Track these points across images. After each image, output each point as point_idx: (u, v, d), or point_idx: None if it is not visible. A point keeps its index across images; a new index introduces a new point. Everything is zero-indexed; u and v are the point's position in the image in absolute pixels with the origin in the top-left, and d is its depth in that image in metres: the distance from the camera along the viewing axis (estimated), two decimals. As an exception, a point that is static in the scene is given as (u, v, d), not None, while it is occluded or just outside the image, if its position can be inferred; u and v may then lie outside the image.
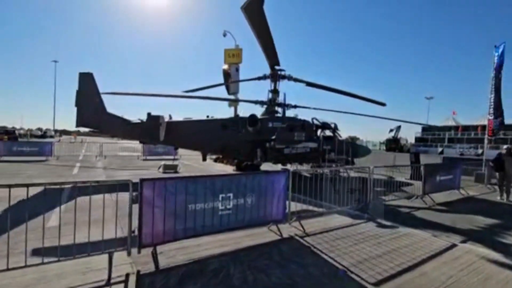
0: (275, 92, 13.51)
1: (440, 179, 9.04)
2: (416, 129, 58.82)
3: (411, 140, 57.34)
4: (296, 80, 13.77)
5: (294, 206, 5.74)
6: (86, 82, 11.73)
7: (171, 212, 3.98)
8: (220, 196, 4.48)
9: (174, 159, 21.07)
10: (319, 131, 13.51)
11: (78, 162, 16.34)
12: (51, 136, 62.97)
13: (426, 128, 53.14)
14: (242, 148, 12.33)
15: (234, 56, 19.44)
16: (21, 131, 62.57)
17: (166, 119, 12.24)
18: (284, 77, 13.50)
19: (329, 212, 6.42)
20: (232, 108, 19.52)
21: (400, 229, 5.67)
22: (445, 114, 66.84)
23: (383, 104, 15.84)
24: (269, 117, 12.52)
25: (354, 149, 13.82)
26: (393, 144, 51.41)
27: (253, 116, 11.94)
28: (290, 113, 13.71)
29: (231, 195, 4.60)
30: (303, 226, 5.46)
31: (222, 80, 18.86)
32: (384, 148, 56.37)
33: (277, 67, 13.15)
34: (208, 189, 4.36)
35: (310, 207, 6.69)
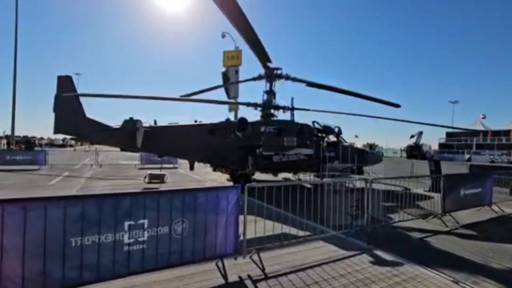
0: (270, 93, 12.13)
1: (466, 193, 7.18)
2: (440, 134, 54.93)
3: (435, 146, 53.56)
4: (295, 80, 12.31)
5: (262, 230, 4.27)
6: (65, 86, 10.93)
7: (37, 251, 2.66)
8: (127, 223, 3.12)
9: (173, 167, 20.13)
10: (320, 136, 11.92)
11: (69, 171, 15.64)
12: (71, 145, 64.75)
13: (451, 134, 49.45)
14: (232, 156, 10.97)
15: (233, 58, 18.36)
16: (43, 141, 64.87)
17: (146, 124, 11.17)
18: (280, 76, 12.09)
19: (310, 239, 4.84)
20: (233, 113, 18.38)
21: (406, 267, 4.03)
22: (471, 119, 62.15)
23: (397, 106, 14.04)
24: (261, 121, 11.12)
25: (361, 156, 12.08)
26: (415, 151, 47.86)
27: (242, 120, 10.58)
28: (286, 116, 12.27)
29: (145, 222, 3.22)
30: (262, 262, 3.94)
31: (221, 83, 17.81)
32: (405, 155, 52.80)
33: (272, 66, 11.80)
34: (106, 214, 3.01)
35: (286, 230, 5.15)
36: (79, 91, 11.13)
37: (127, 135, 9.98)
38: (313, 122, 12.24)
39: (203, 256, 3.62)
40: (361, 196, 5.88)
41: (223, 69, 19.01)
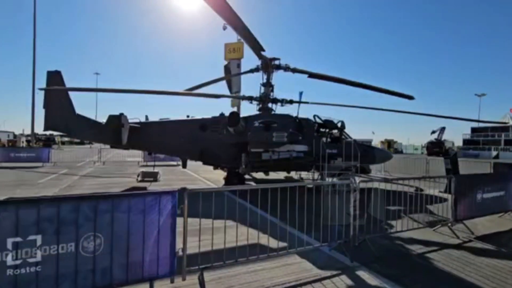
0: (268, 85, 11.25)
1: (484, 197, 6.03)
2: (464, 130, 51.58)
3: (459, 143, 50.39)
4: (295, 70, 11.36)
5: (221, 242, 3.49)
6: (55, 81, 10.63)
7: None
8: (10, 241, 2.44)
9: (177, 165, 19.71)
10: (321, 132, 10.91)
11: (69, 168, 15.55)
12: (90, 143, 66.76)
13: (477, 129, 46.21)
14: (224, 153, 10.24)
15: (234, 51, 17.58)
16: (64, 139, 67.29)
17: (136, 120, 10.65)
18: (279, 67, 11.18)
19: (282, 254, 4.00)
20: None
21: (393, 297, 3.12)
22: (499, 113, 57.80)
23: (410, 98, 12.81)
24: (255, 115, 10.27)
25: (368, 153, 10.96)
26: (436, 148, 45.10)
27: (233, 114, 9.79)
28: (283, 109, 11.37)
29: (37, 238, 2.53)
30: (204, 286, 3.17)
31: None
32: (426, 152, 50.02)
33: (269, 56, 10.92)
34: (-20, 228, 2.34)
35: (261, 241, 4.31)
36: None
37: (112, 132, 9.48)
38: (314, 116, 11.26)
39: (125, 279, 2.89)
40: (359, 198, 4.96)
41: (226, 63, 18.35)
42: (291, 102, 11.27)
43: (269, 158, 8.90)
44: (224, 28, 18.11)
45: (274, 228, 4.35)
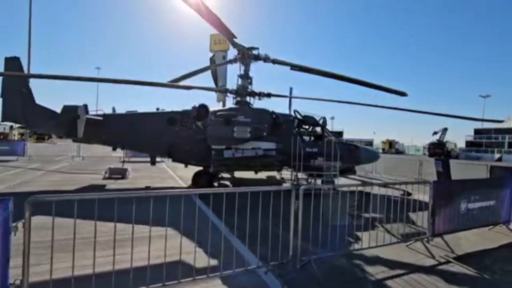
0: (245, 77, 10.35)
1: (469, 207, 5.10)
2: (466, 131, 50.14)
3: (461, 144, 49.02)
4: (275, 62, 10.44)
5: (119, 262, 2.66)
6: (13, 68, 9.81)
7: None
8: None
9: (161, 161, 18.89)
10: (299, 128, 9.99)
11: (42, 163, 14.79)
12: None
13: (480, 131, 44.90)
14: (193, 150, 9.36)
15: (220, 43, 16.65)
16: (61, 133, 66.91)
17: (100, 112, 9.82)
18: (257, 57, 10.28)
19: (196, 279, 3.13)
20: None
21: None
22: (504, 115, 56.27)
23: (402, 94, 11.92)
24: (227, 109, 9.37)
25: (352, 152, 10.05)
26: (438, 149, 43.89)
27: (201, 107, 8.91)
28: (261, 103, 10.47)
29: None
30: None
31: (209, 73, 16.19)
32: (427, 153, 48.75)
33: (245, 46, 10.01)
34: None
35: (176, 257, 3.46)
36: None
37: (67, 123, 8.65)
38: (294, 111, 10.35)
39: None
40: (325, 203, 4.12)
41: (211, 55, 17.46)
42: (269, 95, 10.37)
43: (232, 156, 8.00)
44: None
45: (216, 240, 3.64)
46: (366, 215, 5.75)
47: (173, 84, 10.75)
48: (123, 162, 16.26)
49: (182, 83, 12.14)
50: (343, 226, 4.57)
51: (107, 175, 11.06)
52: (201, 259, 3.48)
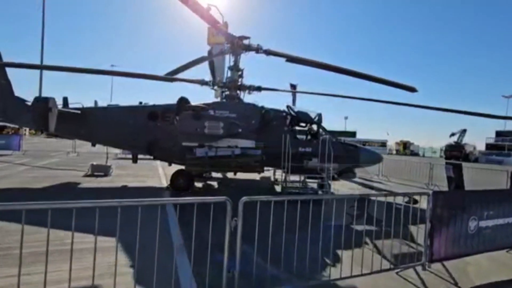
0: (235, 69, 9.52)
1: (481, 225, 4.05)
2: (487, 133, 47.22)
3: (481, 147, 46.25)
4: (269, 53, 9.54)
5: None
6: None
7: None
8: None
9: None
10: (292, 126, 9.04)
11: (34, 158, 14.52)
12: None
13: (502, 133, 42.17)
14: (174, 147, 8.58)
15: (218, 35, 15.80)
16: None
17: (78, 105, 9.22)
18: (249, 48, 9.41)
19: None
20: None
21: None
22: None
23: (412, 90, 10.82)
24: (211, 103, 8.51)
25: (350, 153, 9.02)
26: (456, 151, 41.42)
27: (182, 101, 8.14)
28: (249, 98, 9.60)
29: None
30: None
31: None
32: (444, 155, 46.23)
33: (237, 35, 9.18)
34: None
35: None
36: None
37: (38, 116, 8.07)
38: (287, 106, 9.42)
39: None
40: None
41: (209, 48, 16.70)
42: (259, 89, 9.48)
43: (205, 155, 7.16)
44: (208, 10, 16.42)
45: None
46: (361, 227, 4.76)
47: (154, 75, 10.02)
48: (119, 159, 15.80)
49: (178, 76, 11.48)
50: (325, 242, 3.64)
51: (89, 172, 10.50)
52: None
